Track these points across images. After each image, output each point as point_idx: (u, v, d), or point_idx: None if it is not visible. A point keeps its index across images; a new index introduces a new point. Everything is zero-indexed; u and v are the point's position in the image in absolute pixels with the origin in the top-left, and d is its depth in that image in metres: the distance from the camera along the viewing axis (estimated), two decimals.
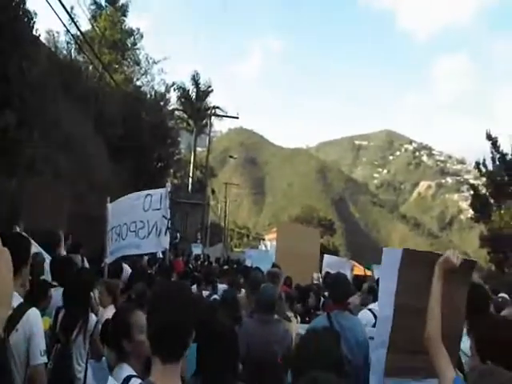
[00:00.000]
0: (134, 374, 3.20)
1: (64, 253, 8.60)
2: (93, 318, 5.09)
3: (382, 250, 3.63)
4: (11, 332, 3.57)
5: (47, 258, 6.96)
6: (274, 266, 10.75)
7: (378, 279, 11.86)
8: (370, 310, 7.33)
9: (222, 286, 9.79)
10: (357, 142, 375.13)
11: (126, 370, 3.28)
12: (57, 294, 5.69)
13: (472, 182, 37.89)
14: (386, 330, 3.28)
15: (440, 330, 2.98)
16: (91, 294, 5.43)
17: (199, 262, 21.45)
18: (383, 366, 3.28)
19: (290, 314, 7.66)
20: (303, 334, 2.71)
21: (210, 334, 4.21)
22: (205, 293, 8.83)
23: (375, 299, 7.81)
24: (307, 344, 2.71)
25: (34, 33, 12.16)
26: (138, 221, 8.25)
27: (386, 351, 3.27)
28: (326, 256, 16.59)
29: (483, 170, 28.50)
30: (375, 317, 7.03)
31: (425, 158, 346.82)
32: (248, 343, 4.53)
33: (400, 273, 3.25)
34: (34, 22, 11.88)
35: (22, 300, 3.79)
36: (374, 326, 6.52)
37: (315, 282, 12.24)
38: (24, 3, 11.30)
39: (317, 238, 14.31)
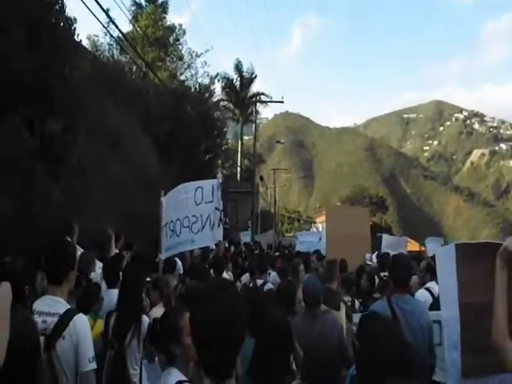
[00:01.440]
0: (184, 378, 3.07)
1: (116, 251, 8.77)
2: (145, 319, 4.99)
3: (436, 252, 3.58)
4: (57, 340, 3.56)
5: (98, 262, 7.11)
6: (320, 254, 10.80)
7: (433, 255, 11.73)
8: (427, 288, 7.25)
9: (274, 274, 9.88)
10: (405, 116, 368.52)
11: (175, 375, 3.15)
12: (111, 295, 5.71)
13: None
14: (455, 331, 3.20)
15: (506, 326, 2.83)
16: (143, 295, 5.39)
17: (250, 250, 21.42)
18: (459, 368, 3.19)
19: (346, 298, 7.65)
20: (366, 337, 2.58)
21: (264, 331, 4.22)
22: (258, 281, 8.84)
23: (433, 277, 7.73)
24: (372, 349, 2.61)
25: (75, 38, 12.27)
26: (190, 215, 8.21)
27: (459, 353, 3.17)
28: (384, 236, 16.47)
29: None
30: (433, 296, 7.00)
31: (476, 126, 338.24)
32: (297, 340, 4.38)
33: (458, 269, 3.15)
34: (75, 29, 11.92)
35: (68, 306, 3.76)
36: (431, 306, 6.48)
37: (368, 262, 12.14)
38: (63, 11, 11.41)
39: (366, 217, 14.19)
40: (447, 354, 3.36)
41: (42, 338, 3.18)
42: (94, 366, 3.72)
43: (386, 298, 5.22)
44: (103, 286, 6.17)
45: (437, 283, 7.78)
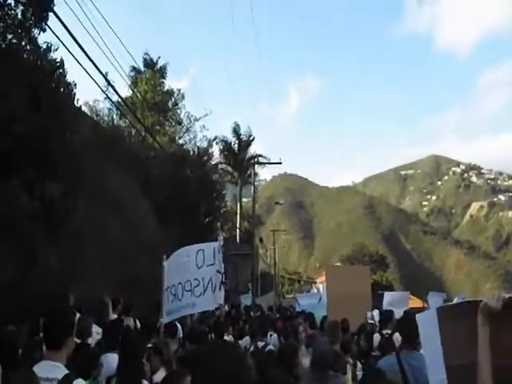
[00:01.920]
0: None
1: (114, 316, 8.64)
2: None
3: (416, 317, 3.47)
4: None
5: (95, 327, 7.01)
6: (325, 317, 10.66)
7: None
8: None
9: (275, 336, 9.74)
10: (403, 172, 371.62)
11: None
12: (110, 359, 5.62)
13: None
14: None
15: (490, 382, 2.73)
16: (143, 359, 5.27)
17: (251, 313, 21.00)
18: None
19: (348, 359, 7.51)
20: None
21: None
22: (260, 344, 8.73)
23: None
24: None
25: (75, 103, 12.47)
26: (192, 279, 8.15)
27: None
28: (385, 294, 16.30)
29: None
30: None
31: (474, 179, 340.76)
32: None
33: (441, 332, 3.12)
34: (75, 94, 12.14)
35: (66, 371, 3.72)
36: None
37: (370, 321, 12.00)
38: (64, 76, 11.63)
39: (367, 275, 14.08)
40: None
41: None
42: None
43: (394, 354, 5.16)
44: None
45: None
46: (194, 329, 9.28)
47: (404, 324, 5.43)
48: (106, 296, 8.23)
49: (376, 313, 12.56)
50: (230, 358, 2.04)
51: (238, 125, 48.89)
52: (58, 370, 3.67)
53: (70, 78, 11.94)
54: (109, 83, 15.86)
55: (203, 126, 37.79)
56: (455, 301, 19.81)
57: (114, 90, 17.33)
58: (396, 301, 14.72)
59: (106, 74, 15.21)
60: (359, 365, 7.11)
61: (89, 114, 26.56)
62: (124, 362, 5.03)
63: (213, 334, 8.46)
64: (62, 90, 11.46)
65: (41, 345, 6.80)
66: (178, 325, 9.35)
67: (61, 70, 11.41)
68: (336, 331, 7.54)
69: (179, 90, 35.72)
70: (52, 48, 11.29)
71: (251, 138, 49.13)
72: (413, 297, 23.11)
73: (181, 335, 9.27)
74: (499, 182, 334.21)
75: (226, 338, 8.89)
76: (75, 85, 11.96)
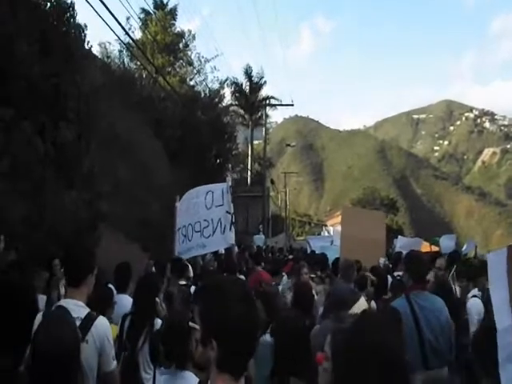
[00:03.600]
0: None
1: None
2: (158, 323, 4.96)
3: (487, 256, 3.37)
4: (81, 344, 3.42)
5: None
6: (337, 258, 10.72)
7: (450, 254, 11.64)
8: (475, 296, 7.18)
9: (285, 277, 9.86)
10: (415, 116, 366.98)
11: (191, 379, 3.28)
12: (122, 300, 5.79)
13: None
14: (509, 342, 2.92)
15: None
16: (156, 299, 5.38)
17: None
18: None
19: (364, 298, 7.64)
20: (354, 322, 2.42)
21: (279, 331, 4.21)
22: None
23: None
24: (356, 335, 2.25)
25: (85, 46, 12.29)
26: (202, 220, 8.25)
27: None
28: (399, 238, 16.37)
29: None
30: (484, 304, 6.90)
31: (487, 125, 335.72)
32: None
33: (509, 275, 2.93)
34: (86, 36, 11.88)
35: (88, 310, 3.74)
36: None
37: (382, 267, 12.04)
38: (74, 18, 11.43)
39: (382, 221, 13.79)
40: (501, 368, 3.01)
41: None
42: (115, 363, 3.80)
43: (404, 296, 5.15)
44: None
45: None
46: (206, 270, 9.44)
47: (411, 263, 5.30)
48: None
49: (383, 260, 12.58)
50: (240, 291, 2.04)
51: (249, 66, 48.15)
52: (80, 308, 3.69)
53: (80, 20, 11.73)
54: (121, 26, 15.58)
55: (214, 67, 37.50)
56: (465, 247, 19.94)
57: (126, 32, 17.03)
58: (408, 245, 14.72)
59: (115, 15, 14.83)
60: (373, 304, 7.18)
61: (99, 56, 26.25)
62: (137, 301, 5.25)
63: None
64: (72, 32, 11.28)
65: (58, 286, 6.99)
66: (189, 265, 9.52)
67: (71, 12, 11.22)
68: (349, 270, 7.57)
69: (190, 31, 35.14)
70: None
71: (263, 81, 48.51)
72: (423, 241, 23.22)
73: (191, 274, 9.46)
74: None
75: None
76: (86, 26, 11.72)
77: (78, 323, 3.51)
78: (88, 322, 3.62)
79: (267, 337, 4.52)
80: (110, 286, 6.19)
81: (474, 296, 6.88)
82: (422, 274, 5.24)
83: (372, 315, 2.65)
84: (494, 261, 3.15)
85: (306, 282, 6.73)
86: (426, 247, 21.99)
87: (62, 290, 6.99)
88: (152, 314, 5.10)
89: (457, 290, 7.61)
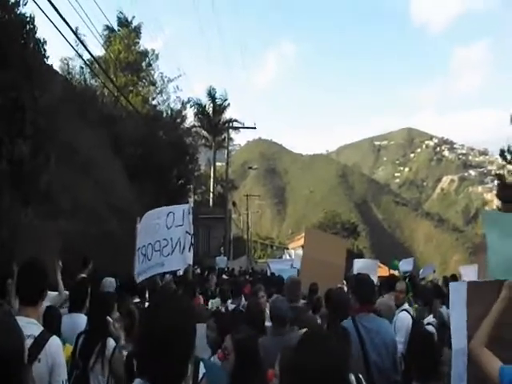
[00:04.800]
0: None
1: (83, 276, 8.59)
2: (111, 343, 4.95)
3: (449, 285, 3.76)
4: (33, 362, 3.46)
5: None
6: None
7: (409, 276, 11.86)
8: (405, 310, 7.30)
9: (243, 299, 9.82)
10: (377, 143, 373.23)
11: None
12: (74, 319, 5.75)
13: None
14: (462, 362, 3.38)
15: (486, 335, 3.11)
16: (108, 318, 5.28)
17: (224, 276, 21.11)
18: None
19: (317, 319, 7.61)
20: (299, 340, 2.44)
21: (238, 354, 4.20)
22: (231, 306, 8.81)
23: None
24: (300, 353, 2.31)
25: (45, 60, 12.13)
26: (161, 239, 8.22)
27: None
28: (355, 261, 16.51)
29: (508, 157, 27.85)
30: (412, 317, 7.07)
31: (446, 153, 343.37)
32: (263, 358, 4.35)
33: (468, 308, 3.38)
34: (45, 50, 11.76)
35: (42, 328, 3.70)
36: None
37: None
38: (34, 32, 11.27)
39: (343, 248, 13.88)
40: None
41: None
42: None
43: (350, 318, 5.17)
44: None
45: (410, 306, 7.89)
46: (163, 288, 9.31)
47: (358, 287, 5.35)
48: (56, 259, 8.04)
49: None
50: (172, 309, 2.03)
51: (213, 88, 48.47)
52: (34, 326, 3.66)
53: (40, 35, 11.57)
54: (78, 39, 15.39)
55: (177, 86, 37.40)
56: (421, 271, 20.40)
57: (85, 47, 16.86)
58: (365, 268, 14.90)
59: (77, 29, 14.72)
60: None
61: (60, 72, 25.99)
62: (90, 320, 5.25)
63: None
64: (31, 46, 11.12)
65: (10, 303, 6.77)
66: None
67: (31, 26, 11.07)
68: (295, 289, 7.56)
69: (153, 51, 35.16)
70: (21, 2, 10.92)
71: (226, 103, 48.77)
72: (382, 265, 23.47)
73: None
74: (470, 157, 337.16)
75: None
76: (45, 42, 11.57)
77: (30, 341, 3.49)
78: (41, 340, 3.58)
79: (213, 358, 4.65)
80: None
81: (429, 324, 7.04)
82: (368, 297, 5.28)
83: (316, 335, 2.65)
84: (455, 291, 3.55)
85: (257, 303, 6.71)
86: (384, 271, 22.25)
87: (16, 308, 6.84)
88: (105, 333, 5.04)
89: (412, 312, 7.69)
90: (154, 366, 1.97)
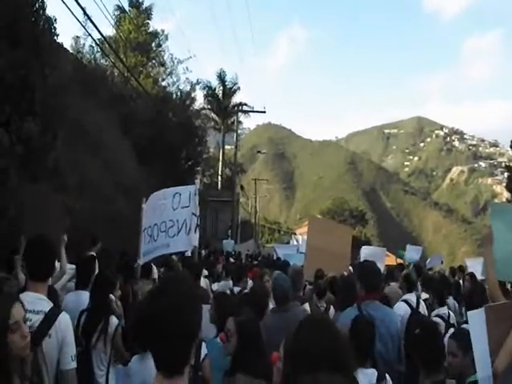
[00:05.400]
0: None
1: (92, 254, 8.62)
2: (113, 320, 5.02)
3: (467, 314, 3.84)
4: (44, 338, 3.51)
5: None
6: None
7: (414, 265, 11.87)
8: (405, 300, 7.24)
9: (251, 282, 9.83)
10: (386, 131, 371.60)
11: None
12: (79, 297, 5.78)
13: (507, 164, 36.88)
14: None
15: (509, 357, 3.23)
16: (111, 296, 5.44)
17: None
18: None
19: (320, 304, 7.62)
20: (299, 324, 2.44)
21: (240, 337, 4.22)
22: (236, 289, 8.86)
23: (410, 289, 7.75)
24: (302, 337, 2.32)
25: (55, 39, 12.06)
26: (167, 220, 8.22)
27: None
28: (363, 248, 16.42)
29: None
30: (411, 308, 6.99)
31: (456, 143, 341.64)
32: (267, 337, 4.33)
33: (489, 333, 3.38)
34: (55, 29, 11.64)
35: (51, 304, 3.74)
36: (410, 317, 6.53)
37: None
38: (44, 10, 11.20)
39: (349, 235, 13.69)
40: None
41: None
42: (75, 364, 3.70)
43: (356, 305, 5.15)
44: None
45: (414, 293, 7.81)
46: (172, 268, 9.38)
47: (364, 273, 5.31)
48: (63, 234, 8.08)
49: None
50: (174, 293, 2.01)
51: (223, 71, 48.32)
52: (44, 302, 3.68)
53: (50, 12, 11.48)
54: (88, 18, 15.30)
55: (187, 68, 37.19)
56: (429, 260, 20.23)
57: (95, 26, 16.74)
58: (373, 255, 14.82)
59: (84, 9, 14.55)
60: (332, 309, 7.17)
61: (71, 50, 25.92)
62: (93, 298, 5.27)
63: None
64: (41, 24, 11.04)
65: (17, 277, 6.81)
66: (153, 266, 9.42)
67: (40, 3, 10.99)
68: (297, 278, 7.55)
69: (163, 31, 35.09)
70: None
71: (236, 87, 48.60)
72: (389, 254, 23.34)
73: (155, 276, 9.37)
74: (481, 148, 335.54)
75: (202, 280, 9.09)
76: (55, 20, 11.48)
77: (41, 317, 3.55)
78: (52, 316, 3.61)
79: (218, 339, 4.67)
80: None
81: (438, 316, 6.94)
82: (374, 285, 5.25)
83: (316, 319, 2.69)
84: (474, 319, 3.56)
85: (263, 286, 6.74)
86: (391, 260, 22.16)
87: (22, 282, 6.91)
88: (107, 311, 5.11)
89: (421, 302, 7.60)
90: (157, 348, 1.98)
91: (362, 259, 14.43)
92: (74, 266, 6.65)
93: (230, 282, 10.15)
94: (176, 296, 1.97)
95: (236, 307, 5.19)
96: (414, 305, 7.16)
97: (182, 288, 2.04)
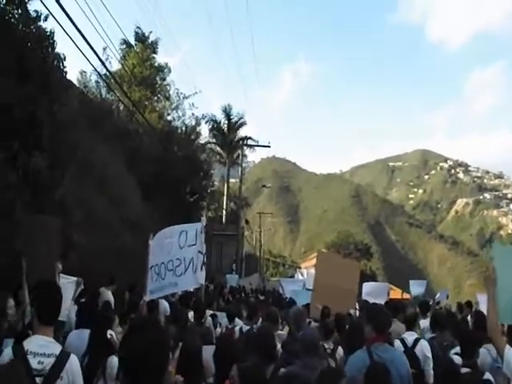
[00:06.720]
0: None
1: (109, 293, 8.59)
2: (114, 360, 4.90)
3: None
4: (56, 381, 3.62)
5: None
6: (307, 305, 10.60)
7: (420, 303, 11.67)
8: (401, 339, 7.10)
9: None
10: (391, 164, 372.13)
11: None
12: (82, 335, 5.77)
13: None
14: None
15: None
16: (108, 334, 5.44)
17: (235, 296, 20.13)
18: None
19: (327, 345, 7.47)
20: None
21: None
22: (245, 327, 8.68)
23: (409, 328, 7.61)
24: None
25: (64, 75, 12.19)
26: (174, 259, 8.22)
27: None
28: (364, 285, 16.21)
29: None
30: (405, 346, 6.86)
31: (461, 175, 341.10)
32: None
33: None
34: (65, 66, 11.82)
35: (61, 347, 3.88)
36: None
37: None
38: (53, 47, 11.36)
39: (357, 271, 13.62)
40: None
41: (39, 379, 3.54)
42: None
43: (365, 348, 5.09)
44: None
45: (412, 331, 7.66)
46: (176, 309, 9.29)
47: (375, 316, 5.27)
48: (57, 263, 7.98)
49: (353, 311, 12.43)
50: (144, 339, 2.21)
51: (229, 105, 48.67)
52: (54, 345, 3.80)
53: (59, 50, 11.64)
54: (98, 58, 15.47)
55: (192, 103, 37.46)
56: (438, 296, 19.96)
57: (102, 63, 17.01)
58: (375, 292, 14.65)
59: (105, 49, 14.74)
60: (340, 350, 7.07)
61: (77, 84, 26.23)
62: (92, 338, 5.34)
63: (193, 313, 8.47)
64: (51, 60, 11.20)
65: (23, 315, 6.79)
66: (165, 302, 9.38)
67: (50, 41, 11.15)
68: (299, 320, 7.43)
69: (166, 64, 35.38)
70: (42, 17, 11.01)
71: (242, 121, 48.89)
72: (394, 287, 23.13)
73: (168, 313, 9.33)
74: (485, 180, 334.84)
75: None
76: (64, 57, 11.63)
77: (52, 360, 3.66)
78: (62, 359, 3.72)
79: None
80: None
81: (457, 354, 6.73)
82: (384, 327, 5.23)
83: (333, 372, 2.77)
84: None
85: (267, 326, 6.57)
86: (396, 293, 21.94)
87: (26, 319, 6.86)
88: (106, 351, 5.12)
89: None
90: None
91: (363, 297, 14.27)
92: (74, 278, 6.67)
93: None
94: (143, 343, 2.17)
95: (241, 352, 5.02)
96: (410, 344, 6.98)
97: (149, 336, 2.22)
